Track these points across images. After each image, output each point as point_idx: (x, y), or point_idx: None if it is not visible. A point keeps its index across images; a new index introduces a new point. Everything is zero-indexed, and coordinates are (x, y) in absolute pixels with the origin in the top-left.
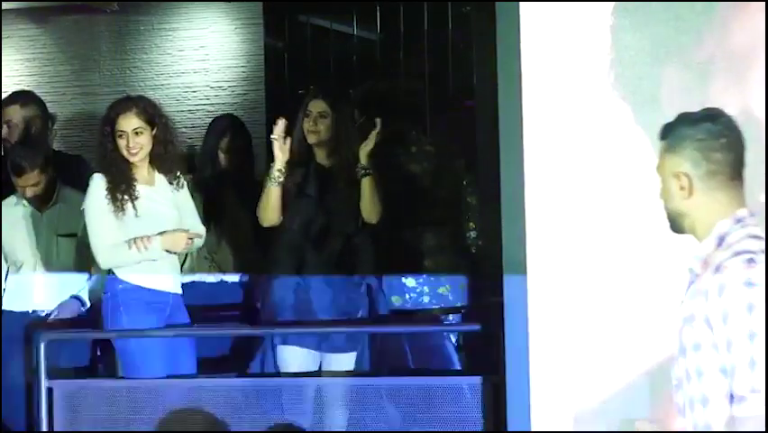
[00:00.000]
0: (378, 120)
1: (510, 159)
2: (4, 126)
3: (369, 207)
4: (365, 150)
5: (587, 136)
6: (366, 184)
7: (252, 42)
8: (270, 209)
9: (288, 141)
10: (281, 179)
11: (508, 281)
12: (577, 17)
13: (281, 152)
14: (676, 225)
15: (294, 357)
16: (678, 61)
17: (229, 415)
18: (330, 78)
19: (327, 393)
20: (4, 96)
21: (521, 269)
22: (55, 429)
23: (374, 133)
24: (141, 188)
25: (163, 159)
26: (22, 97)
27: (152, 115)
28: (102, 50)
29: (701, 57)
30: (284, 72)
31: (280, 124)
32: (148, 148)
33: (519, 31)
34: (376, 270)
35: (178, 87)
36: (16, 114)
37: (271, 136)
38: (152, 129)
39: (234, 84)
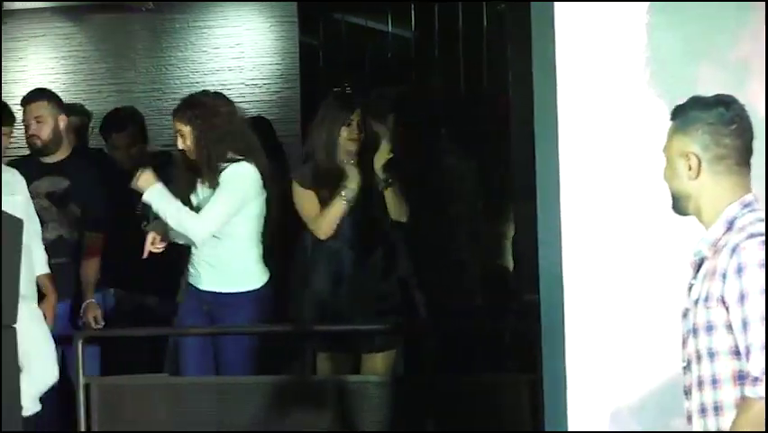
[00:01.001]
0: (384, 129)
1: (546, 156)
2: (33, 122)
3: (397, 212)
4: (380, 162)
5: (622, 134)
6: (389, 195)
7: (287, 40)
8: (333, 223)
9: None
10: (352, 198)
11: (544, 279)
12: (612, 15)
13: (357, 173)
14: (680, 205)
15: (330, 361)
16: (713, 60)
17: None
18: (365, 76)
19: (366, 393)
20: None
21: (557, 267)
22: (92, 426)
23: (384, 144)
24: None
25: None
26: (45, 94)
27: None
28: (137, 47)
29: (736, 56)
30: (319, 70)
31: (354, 147)
32: None
33: (554, 30)
34: (411, 266)
35: (213, 85)
36: (44, 109)
37: (345, 157)
38: None
39: (269, 81)
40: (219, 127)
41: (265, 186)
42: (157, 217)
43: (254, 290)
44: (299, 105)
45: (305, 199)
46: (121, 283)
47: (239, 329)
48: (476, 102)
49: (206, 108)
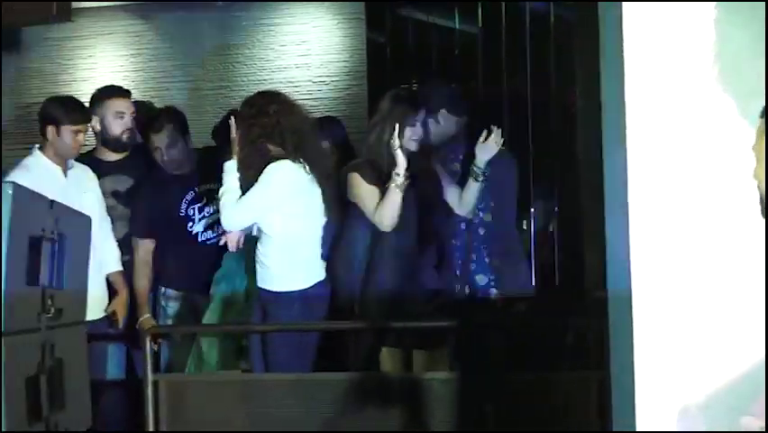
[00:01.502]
0: (495, 128)
1: (613, 153)
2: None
3: (470, 204)
4: (484, 156)
5: (690, 131)
6: (473, 188)
7: (355, 37)
8: (394, 213)
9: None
10: (403, 185)
11: (612, 275)
12: (680, 12)
13: (405, 159)
14: None
15: (389, 356)
16: None
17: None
18: (432, 73)
19: (432, 389)
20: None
21: (625, 263)
22: (161, 423)
23: (492, 138)
24: None
25: None
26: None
27: None
28: (205, 45)
29: None
30: (386, 67)
31: (414, 147)
32: None
33: (622, 27)
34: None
35: (281, 83)
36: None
37: (393, 143)
38: None
39: (337, 79)
40: (257, 127)
41: (321, 185)
42: (202, 219)
43: (300, 291)
44: (367, 102)
45: (368, 193)
46: (171, 283)
47: (300, 327)
48: (542, 100)
49: (249, 108)
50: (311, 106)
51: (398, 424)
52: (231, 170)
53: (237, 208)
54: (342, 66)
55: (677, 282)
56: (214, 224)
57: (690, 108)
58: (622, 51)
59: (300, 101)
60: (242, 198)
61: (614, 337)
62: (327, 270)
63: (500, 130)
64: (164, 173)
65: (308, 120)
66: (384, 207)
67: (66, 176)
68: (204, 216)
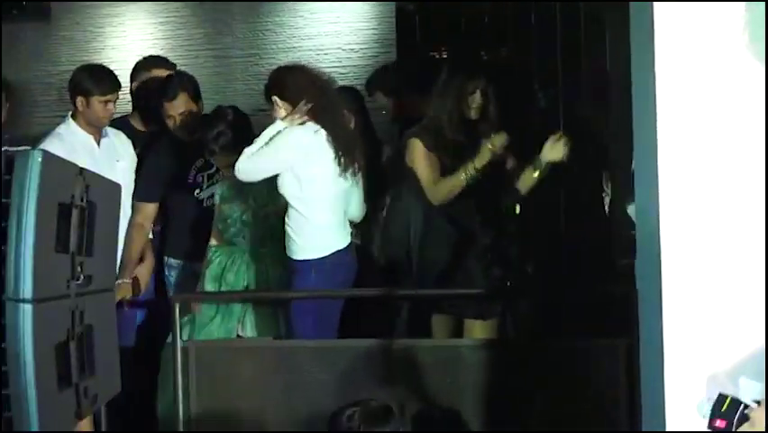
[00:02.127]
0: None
1: (643, 126)
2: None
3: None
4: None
5: (721, 130)
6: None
7: (384, 5)
8: (452, 194)
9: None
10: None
11: (641, 243)
12: (711, 12)
13: (488, 155)
14: None
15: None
16: None
17: (359, 378)
18: (461, 40)
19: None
20: (138, 59)
21: (654, 230)
22: (190, 389)
23: (558, 138)
24: None
25: None
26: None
27: None
28: (234, 12)
29: None
30: (415, 34)
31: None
32: None
33: (653, 28)
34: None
35: (310, 50)
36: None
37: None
38: None
39: (366, 46)
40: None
41: (339, 153)
42: (211, 186)
43: (317, 259)
44: (395, 67)
45: (427, 162)
46: (174, 252)
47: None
48: (573, 69)
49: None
50: (340, 74)
51: (426, 391)
52: (271, 130)
53: (248, 159)
54: (371, 33)
55: (705, 250)
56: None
57: (720, 77)
58: (653, 49)
59: (329, 68)
60: (257, 152)
61: (643, 305)
62: (371, 234)
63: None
64: (173, 139)
65: (329, 83)
66: (443, 186)
67: (99, 144)
68: (212, 183)
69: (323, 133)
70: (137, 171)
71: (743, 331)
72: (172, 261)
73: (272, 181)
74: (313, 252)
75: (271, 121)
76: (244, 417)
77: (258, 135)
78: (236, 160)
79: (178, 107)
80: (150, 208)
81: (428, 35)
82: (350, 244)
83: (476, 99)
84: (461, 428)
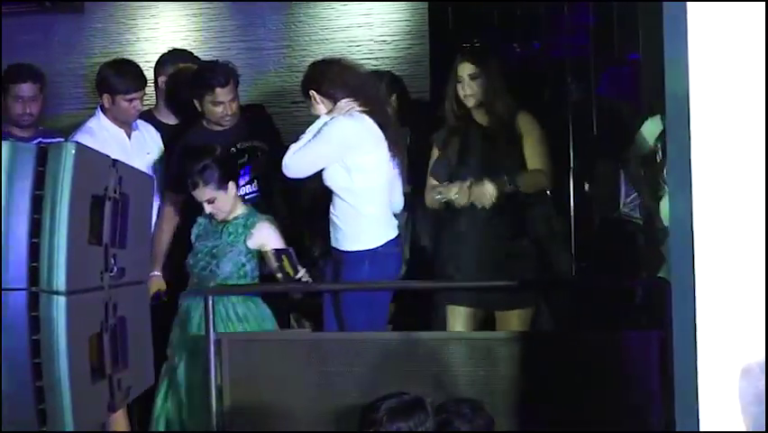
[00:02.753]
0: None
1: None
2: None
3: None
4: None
5: (756, 126)
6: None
7: None
8: (430, 204)
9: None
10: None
11: (674, 233)
12: (746, 16)
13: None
14: None
15: (458, 315)
16: None
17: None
18: (493, 32)
19: (496, 349)
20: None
21: (687, 221)
22: (224, 381)
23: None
24: None
25: None
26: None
27: None
28: (266, 4)
29: None
30: (448, 26)
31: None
32: None
33: (687, 29)
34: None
35: (342, 42)
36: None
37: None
38: None
39: (398, 38)
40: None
41: (387, 142)
42: (243, 175)
43: (370, 250)
44: (428, 60)
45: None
46: None
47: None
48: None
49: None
50: (372, 66)
51: (461, 384)
52: (317, 125)
53: (296, 154)
54: (403, 25)
55: (739, 241)
56: (254, 179)
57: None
58: (686, 47)
59: (361, 60)
60: (303, 147)
61: (676, 296)
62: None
63: None
64: (203, 129)
65: (368, 75)
66: (427, 196)
67: (129, 137)
68: (244, 173)
69: (370, 121)
70: (166, 162)
71: None
72: None
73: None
74: (365, 243)
75: (305, 114)
76: (276, 409)
77: (268, 127)
78: (214, 196)
79: (228, 94)
80: (180, 199)
81: (461, 27)
82: (399, 234)
83: (466, 86)
84: (484, 419)
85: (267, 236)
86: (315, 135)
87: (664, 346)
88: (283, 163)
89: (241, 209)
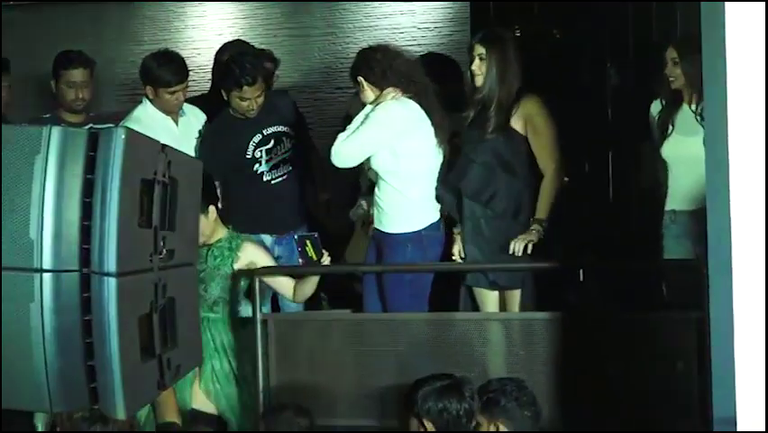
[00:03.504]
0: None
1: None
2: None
3: None
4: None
5: None
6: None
7: None
8: None
9: None
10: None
11: (712, 214)
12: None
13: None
14: None
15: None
16: None
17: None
18: (533, 19)
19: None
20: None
21: (725, 201)
22: (270, 360)
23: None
24: None
25: None
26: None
27: None
28: None
29: None
30: (489, 12)
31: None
32: None
33: (725, 29)
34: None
35: (386, 29)
36: None
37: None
38: None
39: (440, 25)
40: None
41: (434, 127)
42: (269, 160)
43: (413, 232)
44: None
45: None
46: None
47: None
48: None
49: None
50: (415, 52)
51: (500, 364)
52: (364, 113)
53: (345, 143)
54: (445, 12)
55: None
56: (281, 163)
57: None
58: (724, 51)
59: (404, 47)
60: (352, 134)
61: (713, 278)
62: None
63: None
64: (231, 116)
65: (415, 61)
66: None
67: (177, 123)
68: (270, 158)
69: (417, 106)
70: (200, 149)
71: None
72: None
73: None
74: (409, 225)
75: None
76: (318, 386)
77: (293, 113)
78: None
79: (255, 91)
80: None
81: (502, 14)
82: (440, 218)
83: (476, 67)
84: (528, 396)
85: (254, 255)
86: (362, 122)
87: (701, 327)
88: (332, 152)
89: (222, 232)
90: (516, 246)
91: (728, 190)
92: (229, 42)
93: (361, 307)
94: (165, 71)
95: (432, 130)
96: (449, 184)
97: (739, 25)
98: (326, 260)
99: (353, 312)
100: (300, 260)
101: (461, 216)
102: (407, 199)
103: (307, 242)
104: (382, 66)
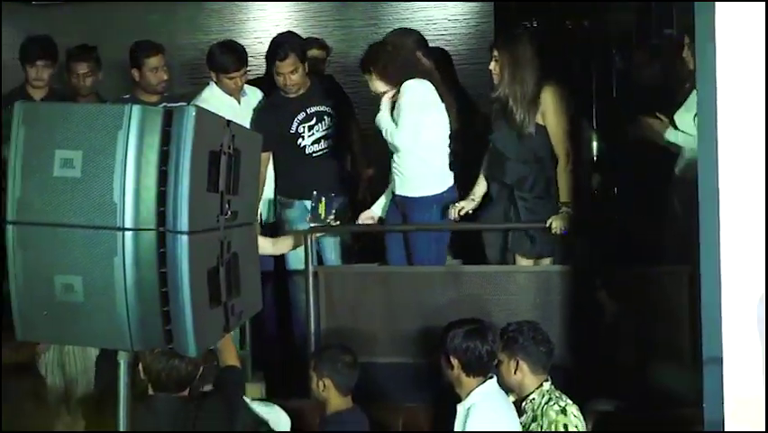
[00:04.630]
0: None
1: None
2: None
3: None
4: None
5: None
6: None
7: None
8: None
9: None
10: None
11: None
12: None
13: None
14: None
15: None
16: None
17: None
18: (550, 11)
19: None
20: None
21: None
22: (319, 310)
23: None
24: None
25: None
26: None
27: None
28: None
29: None
30: (511, 3)
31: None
32: None
33: (714, 28)
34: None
35: (420, 20)
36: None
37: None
38: None
39: (468, 16)
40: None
41: (442, 100)
42: (311, 135)
43: (437, 195)
44: (493, 35)
45: None
46: (283, 191)
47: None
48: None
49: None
50: (446, 41)
51: (519, 310)
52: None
53: (399, 134)
54: (473, 5)
55: (760, 184)
56: (321, 139)
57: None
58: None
59: (437, 36)
60: (399, 125)
61: (703, 235)
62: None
63: None
64: (280, 96)
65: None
66: None
67: (240, 102)
68: (312, 134)
69: (431, 85)
70: (253, 123)
71: None
72: (282, 198)
73: None
74: (433, 189)
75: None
76: (361, 331)
77: (337, 94)
78: None
79: (287, 67)
80: (265, 156)
81: (522, 6)
82: (455, 183)
83: (492, 68)
84: (543, 336)
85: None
86: (398, 111)
87: (692, 281)
88: (397, 146)
89: None
90: (555, 224)
91: (716, 164)
92: (281, 33)
93: (385, 260)
94: (226, 59)
95: (443, 105)
96: (493, 178)
97: (730, 22)
98: (331, 219)
99: (380, 265)
100: (309, 216)
101: (501, 197)
102: (429, 166)
103: (322, 199)
104: (389, 58)
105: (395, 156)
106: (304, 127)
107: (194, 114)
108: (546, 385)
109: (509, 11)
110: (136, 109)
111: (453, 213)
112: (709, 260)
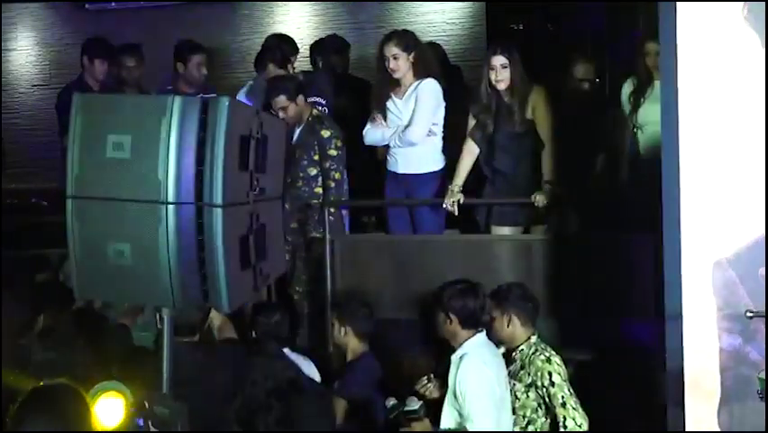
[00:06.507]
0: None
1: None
2: None
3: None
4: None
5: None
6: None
7: None
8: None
9: None
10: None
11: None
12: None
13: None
14: None
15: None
16: None
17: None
18: (533, 15)
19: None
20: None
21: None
22: (336, 277)
23: None
24: None
25: None
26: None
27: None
28: None
29: None
30: (502, 7)
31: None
32: None
33: (676, 27)
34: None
35: (422, 23)
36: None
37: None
38: None
39: (463, 20)
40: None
41: (445, 97)
42: None
43: (438, 171)
44: (485, 36)
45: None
46: None
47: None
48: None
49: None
50: (444, 41)
51: (507, 273)
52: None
53: (419, 124)
54: (468, 10)
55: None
56: (318, 94)
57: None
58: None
59: (437, 36)
60: (417, 116)
61: (666, 204)
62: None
63: None
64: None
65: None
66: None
67: None
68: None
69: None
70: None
71: (744, 225)
72: None
73: None
74: (438, 164)
75: None
76: (371, 292)
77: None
78: None
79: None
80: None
81: (513, 6)
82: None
83: (498, 72)
84: (530, 295)
85: None
86: (416, 105)
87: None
88: (411, 139)
89: None
90: (538, 198)
91: (677, 126)
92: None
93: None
94: (270, 56)
95: (444, 103)
96: (489, 164)
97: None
98: None
99: (385, 234)
100: None
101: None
102: (436, 147)
103: None
104: (428, 53)
105: (397, 141)
106: None
107: (227, 103)
108: (534, 338)
109: (498, 14)
110: (178, 99)
111: (450, 204)
112: (671, 228)
